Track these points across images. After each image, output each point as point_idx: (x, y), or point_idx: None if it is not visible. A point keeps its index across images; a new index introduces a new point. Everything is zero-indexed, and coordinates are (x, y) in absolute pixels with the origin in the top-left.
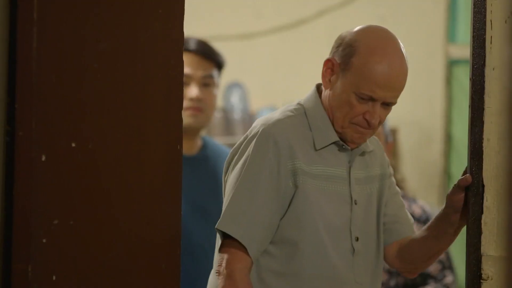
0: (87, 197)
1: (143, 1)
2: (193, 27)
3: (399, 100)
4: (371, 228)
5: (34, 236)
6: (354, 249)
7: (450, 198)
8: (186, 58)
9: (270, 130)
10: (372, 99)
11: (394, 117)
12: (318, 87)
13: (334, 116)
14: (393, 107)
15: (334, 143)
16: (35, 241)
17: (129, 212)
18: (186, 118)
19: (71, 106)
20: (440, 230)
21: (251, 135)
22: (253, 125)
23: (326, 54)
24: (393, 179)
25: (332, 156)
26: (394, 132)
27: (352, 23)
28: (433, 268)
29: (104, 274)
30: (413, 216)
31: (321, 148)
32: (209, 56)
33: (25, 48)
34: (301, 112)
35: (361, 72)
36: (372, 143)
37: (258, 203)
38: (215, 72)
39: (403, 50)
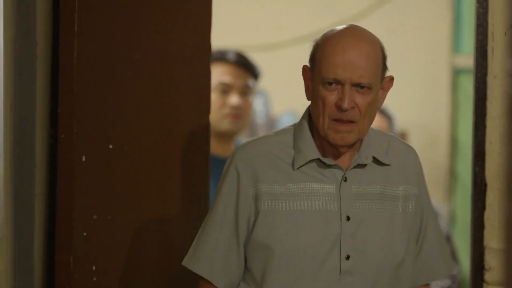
0: (123, 194)
1: (173, 16)
2: (220, 39)
3: (408, 105)
4: (374, 247)
5: (75, 230)
6: (341, 268)
7: None
8: (227, 68)
9: (235, 157)
10: (337, 82)
11: (404, 121)
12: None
13: (316, 122)
14: (403, 112)
15: (317, 160)
16: (76, 234)
17: (161, 208)
18: (227, 124)
19: (109, 111)
20: None
21: (228, 161)
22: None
23: None
24: (425, 202)
25: (317, 173)
26: (403, 135)
27: None
28: None
29: (138, 265)
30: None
31: (300, 167)
32: (247, 67)
33: (66, 58)
34: (290, 132)
35: (321, 61)
36: (399, 157)
37: (215, 236)
38: (252, 82)
39: (369, 36)
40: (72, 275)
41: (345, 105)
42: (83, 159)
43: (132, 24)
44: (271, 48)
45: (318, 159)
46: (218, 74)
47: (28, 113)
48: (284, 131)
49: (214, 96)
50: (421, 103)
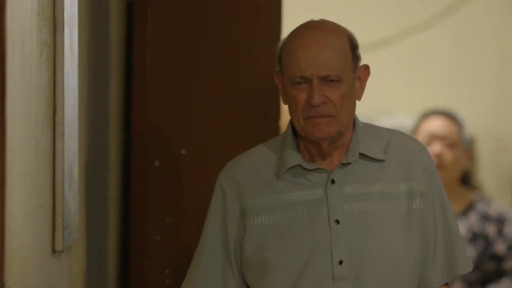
0: (195, 199)
1: (244, 24)
2: None
3: (478, 111)
4: (372, 250)
5: (149, 234)
6: (334, 274)
7: None
8: None
9: (220, 176)
10: (305, 79)
11: (473, 126)
12: None
13: (294, 124)
14: (473, 117)
15: (298, 166)
16: (150, 238)
17: None
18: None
19: (181, 116)
20: None
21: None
22: None
23: (409, 71)
24: (437, 198)
25: (302, 179)
26: (472, 141)
27: (435, 43)
28: (510, 265)
29: None
30: (487, 216)
31: (284, 175)
32: None
33: (139, 65)
34: (278, 141)
35: (287, 61)
36: (400, 152)
37: (208, 259)
38: None
39: (333, 26)
40: (146, 278)
41: (315, 100)
42: (156, 164)
43: (203, 32)
44: None
45: (298, 165)
46: None
47: (103, 119)
48: (273, 140)
49: None
50: (490, 109)
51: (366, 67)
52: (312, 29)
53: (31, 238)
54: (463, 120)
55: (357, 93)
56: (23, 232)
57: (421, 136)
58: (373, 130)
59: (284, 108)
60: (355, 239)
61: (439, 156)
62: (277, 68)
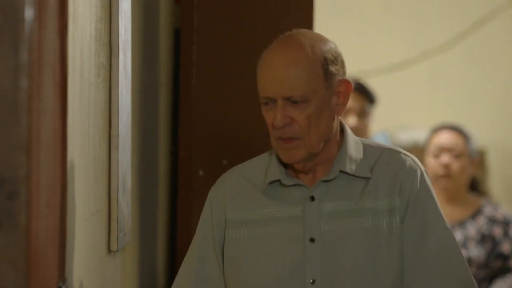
0: None
1: None
2: None
3: (485, 124)
4: (347, 269)
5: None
6: None
7: None
8: None
9: (211, 189)
10: (271, 100)
11: (482, 139)
12: None
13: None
14: (485, 132)
15: (278, 181)
16: None
17: None
18: None
19: (222, 130)
20: None
21: None
22: None
23: (427, 90)
24: (419, 215)
25: (284, 194)
26: (482, 152)
27: (451, 64)
28: None
29: None
30: (494, 219)
31: (266, 189)
32: (364, 92)
33: (186, 84)
34: (269, 155)
35: (257, 81)
36: (388, 168)
37: (196, 266)
38: (368, 106)
39: (301, 42)
40: None
41: (276, 122)
42: (200, 173)
43: (243, 54)
44: (365, 74)
45: (278, 180)
46: None
47: (153, 133)
48: (266, 154)
49: None
50: (500, 124)
51: (345, 81)
52: (281, 45)
53: (89, 239)
54: (470, 133)
55: (337, 109)
56: (82, 234)
57: (431, 148)
58: (367, 146)
59: None
60: (329, 258)
61: (447, 166)
62: None
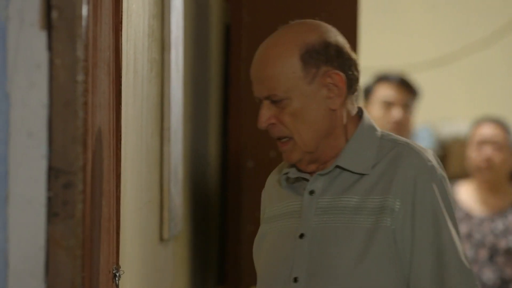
0: None
1: None
2: (364, 60)
3: None
4: (332, 269)
5: (243, 224)
6: None
7: None
8: (390, 87)
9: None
10: (259, 100)
11: None
12: None
13: None
14: None
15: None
16: (243, 228)
17: None
18: None
19: None
20: None
21: None
22: None
23: (469, 83)
24: (417, 222)
25: (291, 189)
26: None
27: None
28: None
29: None
30: None
31: (283, 185)
32: (408, 87)
33: (235, 79)
34: None
35: None
36: (392, 165)
37: None
38: (412, 100)
39: (283, 37)
40: (240, 263)
41: (259, 124)
42: (249, 164)
43: None
44: (409, 69)
45: (286, 174)
46: (382, 92)
47: (203, 126)
48: None
49: (378, 112)
50: None
51: (333, 72)
52: (264, 43)
53: (142, 228)
54: (511, 125)
55: (329, 102)
56: (135, 223)
57: (473, 141)
58: (385, 141)
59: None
60: (314, 256)
61: (489, 159)
62: None
